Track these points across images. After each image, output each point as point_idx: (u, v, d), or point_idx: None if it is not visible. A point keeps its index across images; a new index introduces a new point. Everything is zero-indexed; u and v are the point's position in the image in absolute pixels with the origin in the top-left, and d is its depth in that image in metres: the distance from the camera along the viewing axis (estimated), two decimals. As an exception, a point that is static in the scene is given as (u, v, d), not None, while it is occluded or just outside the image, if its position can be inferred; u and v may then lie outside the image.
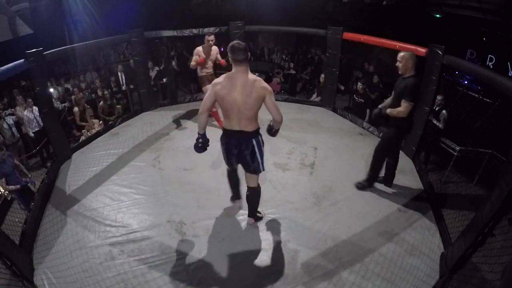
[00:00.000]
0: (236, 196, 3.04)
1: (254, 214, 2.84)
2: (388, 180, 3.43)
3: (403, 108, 2.77)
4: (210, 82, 3.12)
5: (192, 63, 4.29)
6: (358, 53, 6.86)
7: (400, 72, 2.88)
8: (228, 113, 2.30)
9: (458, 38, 6.72)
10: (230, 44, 2.16)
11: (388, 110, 2.90)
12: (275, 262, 2.52)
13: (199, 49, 4.31)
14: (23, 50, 3.35)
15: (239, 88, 2.19)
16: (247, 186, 2.65)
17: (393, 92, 3.05)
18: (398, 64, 2.84)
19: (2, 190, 3.31)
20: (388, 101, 3.13)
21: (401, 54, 2.84)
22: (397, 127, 3.00)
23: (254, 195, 2.67)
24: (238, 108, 2.23)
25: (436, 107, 4.15)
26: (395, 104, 2.88)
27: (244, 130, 2.33)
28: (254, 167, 2.46)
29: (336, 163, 3.88)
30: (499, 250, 2.53)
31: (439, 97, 4.10)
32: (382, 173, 3.40)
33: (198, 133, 2.44)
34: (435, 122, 4.24)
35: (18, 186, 3.40)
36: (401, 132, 3.07)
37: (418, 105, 3.81)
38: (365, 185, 3.38)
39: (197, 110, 5.76)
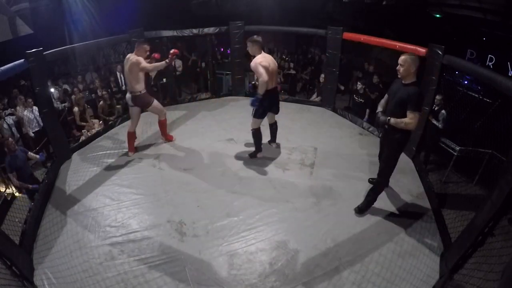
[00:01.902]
0: (260, 149, 3.95)
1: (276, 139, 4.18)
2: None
3: (411, 119, 2.51)
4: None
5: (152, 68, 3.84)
6: (358, 53, 6.86)
7: (400, 76, 2.64)
8: (272, 77, 3.43)
9: (458, 38, 6.73)
10: (256, 37, 3.48)
11: (393, 121, 2.61)
12: (275, 262, 2.52)
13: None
14: (23, 50, 3.35)
15: (272, 61, 3.49)
16: (273, 123, 4.04)
17: (387, 95, 2.84)
18: (399, 68, 2.59)
19: (3, 188, 3.39)
20: (383, 103, 2.90)
21: (403, 57, 2.58)
22: (402, 132, 2.69)
23: (277, 126, 4.10)
24: (275, 73, 3.53)
25: (435, 107, 4.15)
26: (397, 112, 2.61)
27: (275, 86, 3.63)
28: (278, 108, 3.83)
29: (336, 163, 3.88)
30: (499, 250, 2.53)
31: (438, 97, 4.10)
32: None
33: (259, 94, 3.34)
34: (434, 122, 4.25)
35: (30, 186, 3.52)
36: (408, 135, 2.76)
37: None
38: (363, 209, 3.07)
39: (197, 110, 5.75)
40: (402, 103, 2.56)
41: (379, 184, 2.99)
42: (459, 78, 6.19)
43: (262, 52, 3.47)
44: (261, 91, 3.32)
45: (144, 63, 3.65)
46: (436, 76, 3.55)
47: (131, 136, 4.09)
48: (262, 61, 3.33)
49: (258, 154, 3.94)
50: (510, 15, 5.39)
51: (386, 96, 2.91)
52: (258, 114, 3.58)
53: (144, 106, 3.97)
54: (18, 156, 3.53)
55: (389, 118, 2.64)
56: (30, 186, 3.52)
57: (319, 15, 8.25)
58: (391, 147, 2.83)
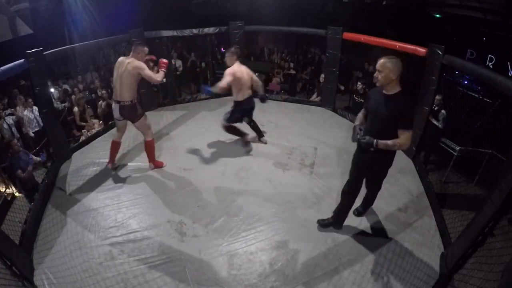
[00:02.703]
0: (245, 133, 4.09)
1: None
2: (366, 207, 3.02)
3: (406, 139, 2.13)
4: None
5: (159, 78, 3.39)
6: (358, 53, 6.86)
7: (378, 85, 2.21)
8: (242, 87, 3.74)
9: (458, 38, 6.73)
10: (236, 48, 3.89)
11: (383, 145, 2.17)
12: (275, 262, 2.52)
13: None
14: (23, 50, 3.35)
15: (246, 71, 3.78)
16: (250, 121, 4.16)
17: (365, 110, 2.46)
18: (377, 74, 2.17)
19: (3, 188, 3.45)
20: (361, 117, 2.52)
21: (382, 61, 2.14)
22: (391, 152, 2.36)
23: (255, 122, 4.23)
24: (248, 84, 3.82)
25: (435, 107, 4.15)
26: (383, 131, 2.20)
27: (251, 94, 3.90)
28: (251, 114, 4.12)
29: (336, 163, 3.88)
30: (499, 250, 2.53)
31: (437, 97, 4.10)
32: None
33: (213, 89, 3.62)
34: (434, 122, 4.24)
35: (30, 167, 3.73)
36: (395, 153, 2.41)
37: (418, 105, 3.83)
38: (362, 212, 3.01)
39: (197, 110, 5.76)
40: (390, 120, 2.15)
41: (375, 197, 2.89)
42: (459, 78, 6.19)
43: (238, 62, 3.71)
44: (215, 90, 3.56)
45: (148, 71, 3.23)
46: (436, 76, 3.55)
47: (115, 146, 3.63)
48: (236, 72, 3.61)
49: (248, 138, 4.09)
50: (510, 15, 5.40)
51: (362, 110, 2.53)
52: (231, 120, 3.88)
53: (132, 118, 3.38)
54: (21, 157, 3.64)
55: (376, 140, 2.18)
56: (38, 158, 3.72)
57: (319, 15, 8.26)
58: (380, 170, 2.51)
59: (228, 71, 3.58)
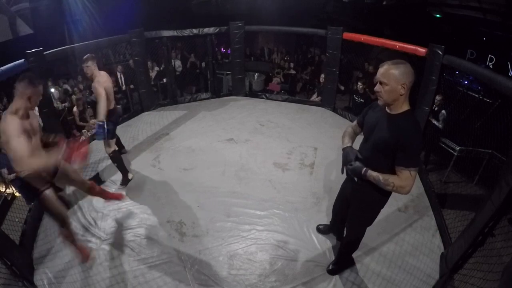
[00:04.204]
0: (127, 170, 3.53)
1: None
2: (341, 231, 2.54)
3: (404, 181, 1.57)
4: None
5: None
6: (358, 53, 6.86)
7: (381, 103, 1.63)
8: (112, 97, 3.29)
9: (458, 38, 6.72)
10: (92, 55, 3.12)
11: (373, 177, 1.66)
12: (275, 262, 2.52)
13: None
14: (23, 50, 3.35)
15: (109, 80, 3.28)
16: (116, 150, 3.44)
17: (356, 123, 1.95)
18: (379, 88, 1.58)
19: (3, 188, 3.42)
20: (351, 133, 1.95)
21: (384, 69, 1.55)
22: (382, 191, 1.73)
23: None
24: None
25: (435, 107, 4.15)
26: (377, 159, 1.68)
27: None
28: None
29: (336, 163, 3.88)
30: (499, 250, 2.53)
31: (438, 97, 4.10)
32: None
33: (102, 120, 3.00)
34: (434, 122, 4.24)
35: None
36: (389, 194, 1.83)
37: (418, 105, 3.83)
38: (332, 270, 2.44)
39: (197, 110, 5.75)
40: (388, 148, 1.60)
41: (350, 248, 2.27)
42: (459, 78, 6.19)
43: (97, 69, 3.13)
44: (102, 115, 2.97)
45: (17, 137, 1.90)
46: (436, 76, 3.55)
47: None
48: (105, 82, 3.12)
49: (129, 175, 3.52)
50: (510, 15, 5.40)
51: (355, 123, 1.97)
52: (111, 134, 3.22)
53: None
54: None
55: (365, 169, 1.69)
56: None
57: (319, 15, 8.26)
58: (360, 212, 1.96)
59: (97, 85, 3.02)
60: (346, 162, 1.80)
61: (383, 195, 1.79)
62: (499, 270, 1.95)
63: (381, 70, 1.57)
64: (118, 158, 3.39)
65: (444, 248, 2.66)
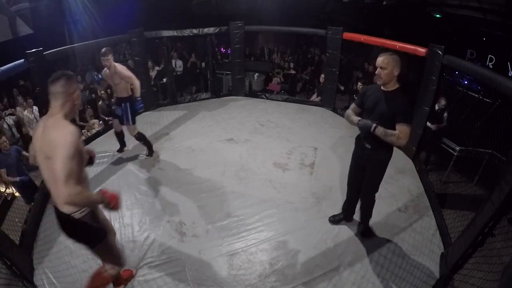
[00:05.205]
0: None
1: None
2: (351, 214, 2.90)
3: (404, 133, 2.07)
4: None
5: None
6: (358, 53, 6.86)
7: (381, 83, 2.17)
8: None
9: (458, 38, 6.72)
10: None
11: (381, 130, 2.11)
12: (275, 262, 2.52)
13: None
14: (23, 50, 3.35)
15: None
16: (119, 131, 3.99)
17: (355, 105, 2.38)
18: (379, 72, 2.12)
19: (3, 188, 3.42)
20: (353, 113, 2.38)
21: (384, 58, 2.10)
22: (388, 150, 2.30)
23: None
24: None
25: (438, 110, 4.15)
26: (380, 123, 2.15)
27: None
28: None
29: (336, 163, 3.88)
30: (499, 250, 2.53)
31: (443, 101, 4.12)
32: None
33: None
34: (429, 125, 4.15)
35: (17, 179, 3.59)
36: (391, 153, 2.34)
37: (418, 105, 3.83)
38: (364, 232, 2.81)
39: (197, 110, 5.74)
40: (390, 116, 2.12)
41: (371, 204, 2.64)
42: (459, 78, 6.19)
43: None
44: (139, 91, 3.64)
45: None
46: (436, 76, 3.55)
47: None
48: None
49: (153, 148, 4.07)
50: (510, 15, 5.39)
51: (353, 105, 2.40)
52: (134, 119, 3.78)
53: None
54: (10, 154, 3.62)
55: (375, 125, 2.12)
56: (18, 178, 3.60)
57: (319, 15, 8.25)
58: (375, 170, 2.40)
59: (123, 70, 3.54)
60: (366, 124, 2.19)
61: (389, 152, 2.31)
62: (499, 270, 1.95)
63: (380, 59, 2.11)
64: (142, 135, 3.89)
65: (444, 248, 2.66)
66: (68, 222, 1.70)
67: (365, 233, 2.79)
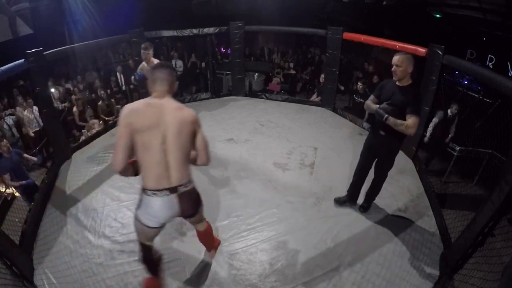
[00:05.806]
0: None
1: None
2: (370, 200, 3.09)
3: (413, 123, 2.33)
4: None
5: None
6: (358, 53, 6.86)
7: (396, 79, 2.44)
8: None
9: (458, 38, 6.72)
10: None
11: (392, 120, 2.37)
12: (275, 262, 2.52)
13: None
14: (23, 50, 3.35)
15: None
16: None
17: (374, 97, 2.65)
18: (395, 69, 2.40)
19: (3, 188, 3.40)
20: (373, 98, 2.67)
21: (399, 57, 2.39)
22: (399, 138, 2.54)
23: None
24: None
25: (451, 116, 4.16)
26: (393, 114, 2.41)
27: None
28: None
29: (336, 163, 3.88)
30: (499, 250, 2.53)
31: (455, 107, 4.13)
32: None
33: None
34: (425, 134, 4.14)
35: (24, 182, 3.53)
36: (402, 142, 2.60)
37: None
38: (366, 207, 3.08)
39: (197, 110, 5.74)
40: (401, 107, 2.38)
41: (379, 190, 2.94)
42: (459, 78, 6.19)
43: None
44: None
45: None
46: (436, 76, 3.55)
47: None
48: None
49: None
50: (510, 15, 5.39)
51: (372, 97, 2.68)
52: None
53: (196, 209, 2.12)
54: (12, 158, 3.54)
55: (387, 115, 2.39)
56: (25, 181, 3.55)
57: (319, 15, 8.25)
58: (386, 155, 2.67)
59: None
60: (381, 113, 2.43)
61: (400, 142, 2.56)
62: (499, 270, 1.95)
63: (396, 57, 2.39)
64: None
65: (444, 248, 2.66)
66: (195, 194, 2.03)
67: (365, 208, 3.07)
